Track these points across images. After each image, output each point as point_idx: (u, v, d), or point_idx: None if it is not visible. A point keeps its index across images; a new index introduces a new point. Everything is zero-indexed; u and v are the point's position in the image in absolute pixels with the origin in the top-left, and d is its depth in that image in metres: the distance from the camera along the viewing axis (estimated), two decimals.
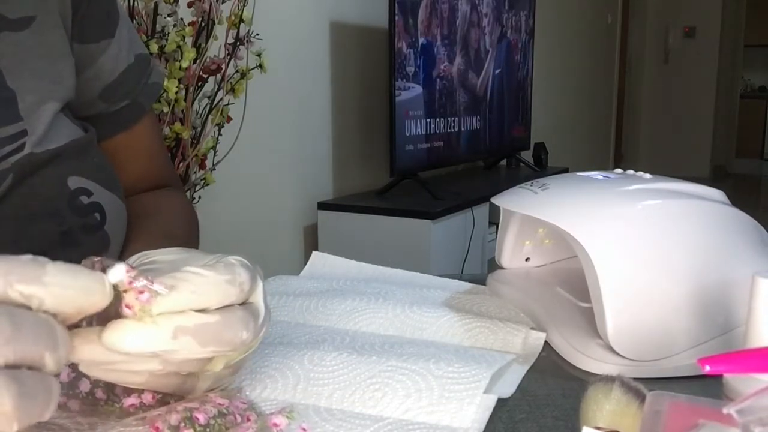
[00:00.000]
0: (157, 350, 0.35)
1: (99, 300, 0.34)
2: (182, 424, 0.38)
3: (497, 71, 3.04)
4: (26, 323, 0.30)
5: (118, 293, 0.35)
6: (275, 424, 0.40)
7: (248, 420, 0.40)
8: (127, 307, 0.35)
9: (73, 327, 0.37)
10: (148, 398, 0.40)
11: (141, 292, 0.35)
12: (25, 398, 0.29)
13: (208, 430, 0.38)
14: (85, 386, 0.40)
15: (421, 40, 2.48)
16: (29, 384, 0.30)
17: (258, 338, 0.41)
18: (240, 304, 0.40)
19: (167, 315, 0.35)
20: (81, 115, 0.63)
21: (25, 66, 0.55)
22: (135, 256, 0.43)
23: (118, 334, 0.34)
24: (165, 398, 0.41)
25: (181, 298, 0.36)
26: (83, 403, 0.41)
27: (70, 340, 0.35)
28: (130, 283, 0.35)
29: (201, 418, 0.38)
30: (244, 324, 0.39)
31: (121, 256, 0.59)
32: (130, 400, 0.40)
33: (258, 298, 0.41)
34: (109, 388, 0.41)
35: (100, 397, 0.41)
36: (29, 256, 0.32)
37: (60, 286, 0.32)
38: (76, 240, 0.55)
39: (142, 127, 0.69)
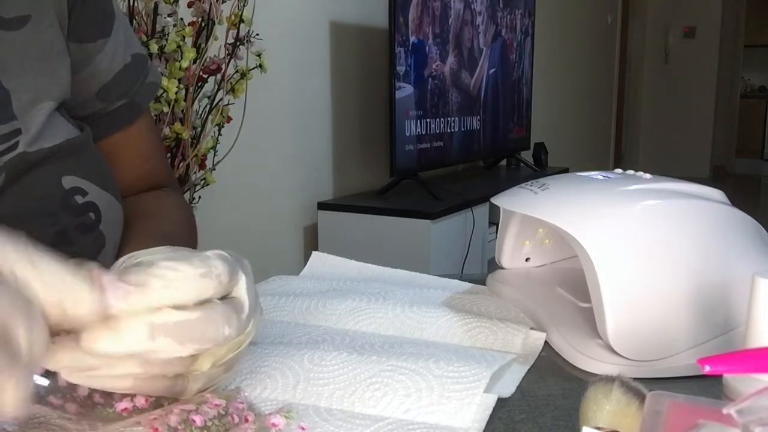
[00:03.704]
0: (135, 350, 0.35)
1: (85, 311, 0.33)
2: (180, 426, 0.38)
3: (492, 71, 3.04)
4: (4, 292, 0.30)
5: None
6: (274, 424, 0.40)
7: (246, 421, 0.40)
8: None
9: (52, 335, 0.37)
10: (141, 402, 0.40)
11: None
12: None
13: (205, 431, 0.38)
14: (83, 390, 0.40)
15: (420, 39, 2.48)
16: None
17: (246, 333, 0.41)
18: (222, 299, 0.39)
19: (142, 314, 0.35)
20: (78, 114, 0.62)
21: (20, 65, 0.55)
22: (122, 259, 0.43)
23: (94, 335, 0.34)
24: (159, 401, 0.41)
25: (152, 294, 0.35)
26: (81, 406, 0.41)
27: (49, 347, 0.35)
28: (104, 281, 0.35)
29: (198, 420, 0.38)
30: (226, 319, 0.38)
31: (118, 257, 0.59)
32: (123, 404, 0.40)
33: (241, 292, 0.40)
34: (107, 392, 0.40)
35: (97, 401, 0.41)
36: (27, 244, 0.32)
37: (53, 282, 0.32)
38: (70, 239, 0.55)
39: (139, 127, 0.68)
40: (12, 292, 0.30)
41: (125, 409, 0.40)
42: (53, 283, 0.32)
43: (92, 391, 0.41)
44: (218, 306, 0.38)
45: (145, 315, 0.35)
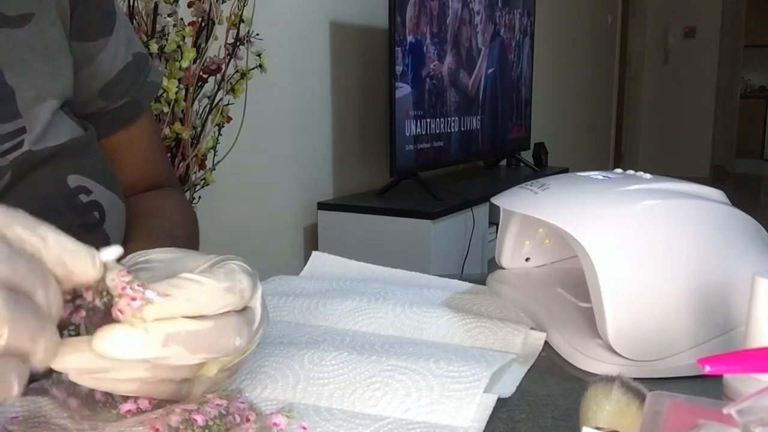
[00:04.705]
0: (147, 357, 0.35)
1: (87, 268, 0.34)
2: (181, 426, 0.38)
3: (490, 70, 3.04)
4: (22, 256, 0.31)
5: (111, 298, 0.35)
6: (275, 424, 0.40)
7: (248, 420, 0.40)
8: (120, 312, 0.35)
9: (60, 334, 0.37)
10: (144, 403, 0.40)
11: (133, 299, 0.35)
12: (18, 312, 0.29)
13: (206, 431, 0.38)
14: (85, 386, 0.40)
15: (417, 38, 2.48)
16: (23, 302, 0.30)
17: (253, 342, 0.41)
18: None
19: (158, 321, 0.35)
20: (80, 113, 0.63)
21: (24, 63, 0.55)
22: (129, 256, 0.43)
23: (108, 338, 0.34)
24: (161, 403, 0.41)
25: (174, 307, 0.35)
26: (83, 402, 0.41)
27: (59, 348, 0.35)
28: (123, 288, 0.35)
29: (199, 419, 0.38)
30: (237, 331, 0.38)
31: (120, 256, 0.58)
32: (127, 406, 0.40)
33: (256, 303, 0.41)
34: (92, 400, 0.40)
35: (99, 399, 0.41)
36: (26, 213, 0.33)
37: (54, 241, 0.33)
38: (74, 238, 0.55)
39: (140, 126, 0.69)
40: (26, 256, 0.31)
41: (129, 410, 0.40)
42: (58, 248, 0.33)
43: (94, 389, 0.40)
44: (232, 317, 0.38)
45: (160, 322, 0.35)
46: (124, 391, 0.38)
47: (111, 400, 0.41)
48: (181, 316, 0.36)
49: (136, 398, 0.40)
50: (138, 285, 0.35)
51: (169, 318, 0.35)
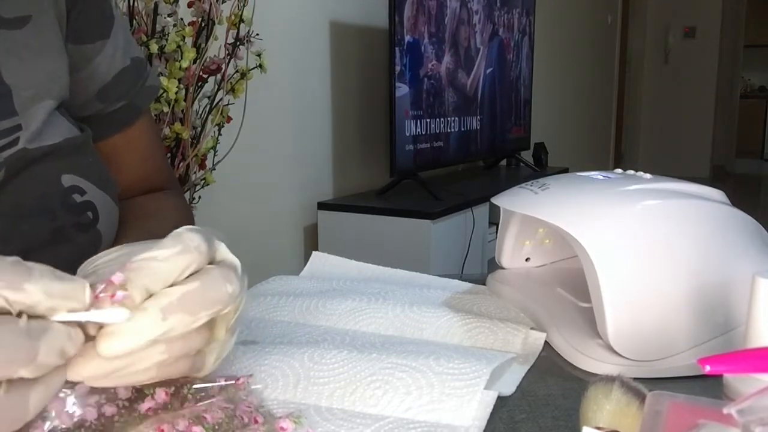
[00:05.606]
0: (153, 336, 0.35)
1: (78, 301, 0.34)
2: (190, 421, 0.38)
3: (489, 70, 3.04)
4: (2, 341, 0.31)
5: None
6: (282, 428, 0.40)
7: (255, 422, 0.40)
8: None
9: None
10: (161, 396, 0.40)
11: (112, 296, 0.34)
12: None
13: (216, 427, 0.38)
14: (91, 415, 0.39)
15: (415, 38, 2.48)
16: None
17: (242, 292, 0.41)
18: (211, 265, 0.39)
19: (148, 300, 0.35)
20: (78, 115, 0.63)
21: (21, 63, 0.55)
22: (80, 268, 0.42)
23: (112, 340, 0.34)
24: (178, 391, 0.40)
25: (147, 283, 0.36)
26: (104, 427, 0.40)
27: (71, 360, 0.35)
28: (97, 297, 0.35)
29: (209, 417, 0.38)
30: (225, 278, 0.38)
31: None
32: (146, 405, 0.40)
33: (226, 254, 0.41)
34: (111, 397, 0.40)
35: (111, 414, 0.40)
36: (15, 259, 0.32)
37: (44, 293, 0.32)
38: (67, 237, 0.55)
39: (138, 128, 0.69)
40: (6, 337, 0.31)
41: (150, 408, 0.40)
42: (44, 296, 0.33)
43: (100, 408, 0.40)
44: (212, 269, 0.39)
45: (151, 300, 0.35)
46: (144, 381, 0.38)
47: (120, 401, 0.40)
48: (160, 289, 0.36)
49: (152, 395, 0.40)
50: (100, 284, 0.35)
51: (152, 296, 0.36)
